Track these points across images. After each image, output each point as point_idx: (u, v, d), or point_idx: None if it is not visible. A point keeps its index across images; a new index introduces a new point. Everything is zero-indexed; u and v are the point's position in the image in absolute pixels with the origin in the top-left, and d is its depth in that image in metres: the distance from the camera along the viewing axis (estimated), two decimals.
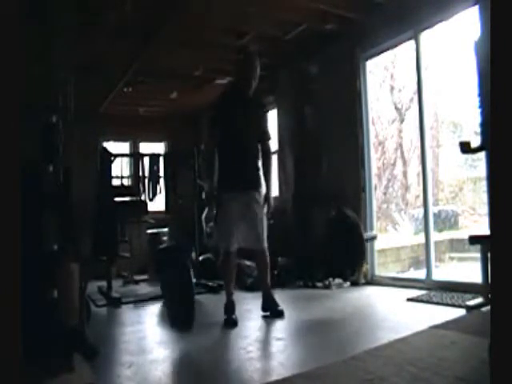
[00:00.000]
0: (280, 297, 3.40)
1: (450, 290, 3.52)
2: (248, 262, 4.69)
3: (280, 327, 3.01)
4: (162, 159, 5.62)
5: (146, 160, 5.49)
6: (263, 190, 3.29)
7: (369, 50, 4.48)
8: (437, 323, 2.63)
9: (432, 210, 4.10)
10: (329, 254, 3.60)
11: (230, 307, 3.17)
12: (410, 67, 4.85)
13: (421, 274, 4.16)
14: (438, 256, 5.32)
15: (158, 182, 5.56)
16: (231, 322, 3.04)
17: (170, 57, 4.97)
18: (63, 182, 2.21)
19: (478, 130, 2.85)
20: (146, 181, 5.45)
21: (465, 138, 6.12)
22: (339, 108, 4.74)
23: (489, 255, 2.81)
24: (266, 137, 3.34)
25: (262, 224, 3.21)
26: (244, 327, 3.06)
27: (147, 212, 5.25)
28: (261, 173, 3.29)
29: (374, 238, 3.67)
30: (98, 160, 4.88)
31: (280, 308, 3.21)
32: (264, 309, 3.29)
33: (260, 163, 3.29)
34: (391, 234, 8.26)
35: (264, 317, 3.22)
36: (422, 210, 4.52)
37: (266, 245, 3.27)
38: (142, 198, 5.29)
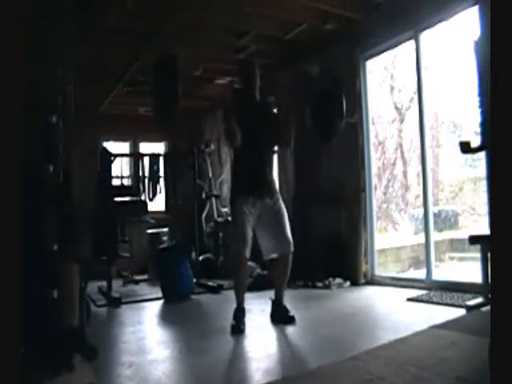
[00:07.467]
0: None
1: (450, 290, 3.52)
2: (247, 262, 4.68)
3: (280, 327, 3.01)
4: (162, 159, 5.62)
5: (146, 160, 5.50)
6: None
7: (369, 50, 4.48)
8: (437, 323, 2.64)
9: (432, 209, 4.10)
10: None
11: (239, 315, 2.96)
12: (410, 67, 4.85)
13: (421, 273, 4.17)
14: (437, 256, 5.31)
15: (158, 182, 5.56)
16: (237, 330, 2.84)
17: None
18: (63, 182, 2.21)
19: (478, 130, 2.86)
20: (146, 181, 5.46)
21: (465, 138, 6.11)
22: None
23: (489, 255, 2.81)
24: None
25: (283, 221, 3.01)
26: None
27: (147, 212, 5.26)
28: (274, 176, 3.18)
29: None
30: (98, 160, 4.88)
31: (291, 314, 3.01)
32: (274, 317, 3.07)
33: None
34: (391, 234, 8.26)
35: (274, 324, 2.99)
36: (422, 210, 4.52)
37: (290, 248, 3.01)
38: (142, 198, 5.29)
